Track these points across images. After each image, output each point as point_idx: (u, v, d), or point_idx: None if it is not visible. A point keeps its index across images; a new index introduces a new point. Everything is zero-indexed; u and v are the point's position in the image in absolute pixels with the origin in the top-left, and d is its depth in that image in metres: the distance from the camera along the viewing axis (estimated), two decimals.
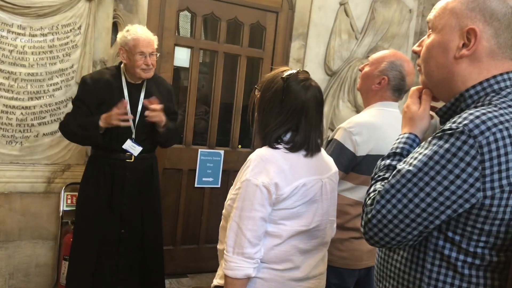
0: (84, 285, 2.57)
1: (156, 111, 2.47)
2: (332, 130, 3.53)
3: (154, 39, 2.55)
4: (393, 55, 2.04)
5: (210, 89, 3.69)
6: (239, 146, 3.75)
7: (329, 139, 2.07)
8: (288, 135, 1.54)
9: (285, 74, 1.54)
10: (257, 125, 1.59)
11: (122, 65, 2.60)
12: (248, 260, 1.45)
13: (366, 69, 2.06)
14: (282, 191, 1.46)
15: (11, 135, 2.80)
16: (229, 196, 1.56)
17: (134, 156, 2.57)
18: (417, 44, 1.23)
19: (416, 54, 1.22)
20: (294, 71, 1.56)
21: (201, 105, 3.78)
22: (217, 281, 1.58)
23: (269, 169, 1.46)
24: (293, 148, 1.52)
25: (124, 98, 2.53)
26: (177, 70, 4.12)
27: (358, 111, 3.78)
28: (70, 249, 2.67)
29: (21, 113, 2.80)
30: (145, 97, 2.59)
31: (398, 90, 2.03)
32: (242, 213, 1.45)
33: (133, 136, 2.57)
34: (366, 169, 1.95)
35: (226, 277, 1.47)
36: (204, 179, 3.56)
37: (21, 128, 2.81)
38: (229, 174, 3.65)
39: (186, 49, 3.73)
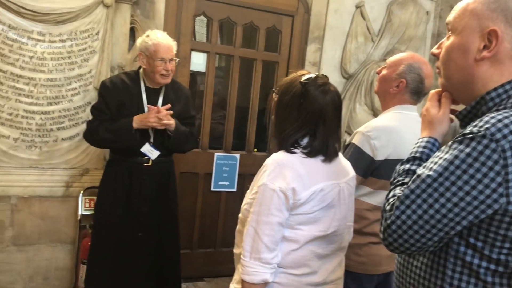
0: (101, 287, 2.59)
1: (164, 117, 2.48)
2: (349, 134, 3.52)
3: (173, 45, 2.57)
4: (411, 57, 2.01)
5: (226, 93, 3.70)
6: (255, 149, 3.75)
7: (346, 143, 2.05)
8: (305, 140, 1.52)
9: (304, 78, 1.52)
10: (273, 129, 1.58)
11: (141, 70, 2.62)
12: (265, 265, 1.44)
13: (384, 72, 2.04)
14: (300, 196, 1.45)
15: (31, 140, 2.84)
16: (245, 200, 1.56)
17: (152, 160, 2.59)
18: (436, 46, 1.21)
19: (435, 56, 1.20)
20: (313, 75, 1.54)
21: (217, 109, 3.79)
22: (234, 285, 1.57)
23: (286, 173, 1.45)
24: (310, 153, 1.51)
25: (143, 103, 2.55)
26: (193, 74, 4.14)
27: (375, 114, 3.75)
28: (88, 253, 2.69)
29: (41, 118, 2.84)
30: (163, 102, 2.60)
31: (417, 93, 2.00)
32: (259, 217, 1.44)
33: (151, 140, 2.58)
34: (384, 174, 1.92)
35: (243, 282, 1.46)
36: (220, 182, 3.57)
37: (40, 133, 2.85)
38: (245, 177, 3.65)
39: (201, 54, 3.75)
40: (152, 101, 2.60)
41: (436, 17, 4.08)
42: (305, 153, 1.51)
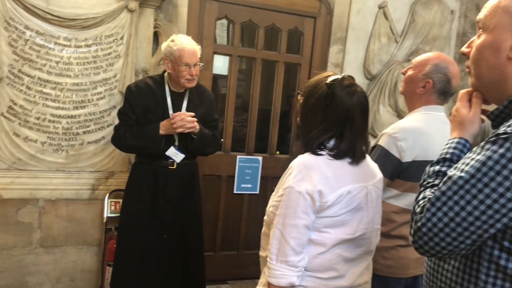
0: None
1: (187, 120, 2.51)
2: (373, 136, 3.47)
3: (198, 49, 2.58)
4: (437, 57, 1.97)
5: (248, 95, 3.70)
6: (277, 152, 3.75)
7: (372, 145, 2.02)
8: (331, 142, 1.50)
9: (330, 79, 1.50)
10: (299, 131, 1.57)
11: (165, 74, 2.64)
12: (291, 268, 1.43)
13: (410, 72, 2.01)
14: (326, 199, 1.43)
15: (58, 144, 2.89)
16: (270, 202, 1.54)
17: (177, 163, 2.61)
18: (465, 45, 1.18)
19: (464, 55, 1.17)
20: (339, 76, 1.52)
21: (239, 112, 3.79)
22: None
23: (312, 176, 1.43)
24: (337, 155, 1.49)
25: (168, 107, 2.57)
26: (214, 77, 4.16)
27: (399, 115, 3.70)
28: (114, 255, 2.73)
29: (67, 122, 2.89)
30: (187, 105, 2.62)
31: (444, 94, 1.97)
32: (285, 220, 1.43)
33: (176, 143, 2.60)
34: (412, 176, 1.89)
35: (269, 285, 1.45)
36: (242, 185, 3.57)
37: (66, 137, 2.90)
38: (268, 180, 3.65)
39: (222, 57, 3.76)
40: (177, 104, 2.62)
41: (461, 16, 4.00)
42: (331, 155, 1.48)
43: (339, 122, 1.49)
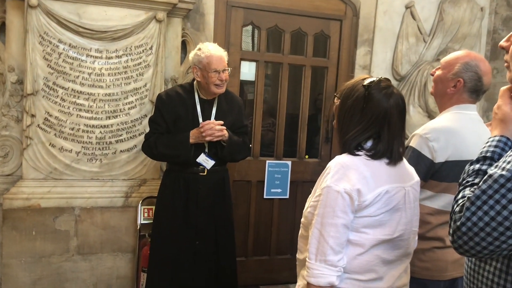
0: None
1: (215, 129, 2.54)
2: (404, 137, 3.42)
3: (225, 55, 2.62)
4: (466, 55, 1.94)
5: (275, 100, 3.71)
6: (306, 156, 3.74)
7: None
8: (369, 143, 1.51)
9: (367, 81, 1.52)
10: (336, 133, 1.58)
11: (195, 82, 2.68)
12: (331, 268, 1.43)
13: (439, 72, 1.98)
14: (365, 198, 1.44)
15: (91, 153, 2.96)
16: (308, 204, 1.55)
17: (207, 169, 2.64)
18: (505, 38, 1.16)
19: (503, 49, 1.15)
20: (376, 78, 1.53)
21: (267, 117, 3.81)
22: None
23: (350, 175, 1.44)
24: (375, 155, 1.50)
25: (197, 114, 2.61)
26: (241, 83, 4.19)
27: (430, 116, 3.64)
28: (148, 261, 2.77)
29: (100, 132, 2.96)
30: (216, 112, 2.66)
31: (476, 92, 1.93)
32: (324, 219, 1.44)
33: (206, 150, 2.63)
34: (446, 176, 1.86)
35: (309, 285, 1.46)
36: (272, 190, 3.58)
37: (100, 146, 2.98)
38: (297, 184, 3.64)
39: (248, 63, 3.78)
40: (206, 112, 2.65)
41: (491, 13, 3.92)
42: (369, 156, 1.49)
43: (377, 123, 1.50)
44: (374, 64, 3.64)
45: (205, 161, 2.61)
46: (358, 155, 1.49)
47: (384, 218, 1.49)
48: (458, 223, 1.02)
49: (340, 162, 1.47)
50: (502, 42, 1.16)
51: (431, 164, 1.86)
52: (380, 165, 1.51)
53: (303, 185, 3.65)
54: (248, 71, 4.20)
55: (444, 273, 1.93)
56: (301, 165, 3.68)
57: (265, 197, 3.58)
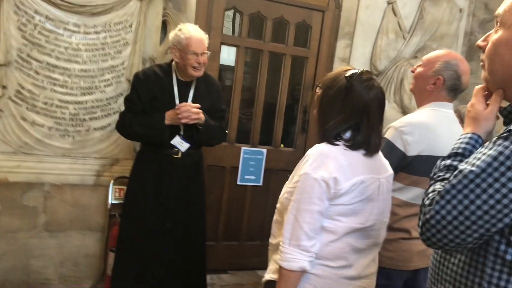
0: (129, 276, 2.64)
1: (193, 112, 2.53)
2: None
3: (205, 38, 2.59)
4: (447, 54, 1.99)
5: (253, 88, 3.71)
6: (282, 145, 3.76)
7: None
8: (348, 134, 1.54)
9: (349, 73, 1.54)
10: (316, 122, 1.60)
11: (173, 63, 2.65)
12: (303, 253, 1.46)
13: (419, 69, 2.03)
14: (341, 186, 1.47)
15: (64, 129, 2.91)
16: (284, 190, 1.58)
17: (182, 152, 2.62)
18: (482, 38, 1.18)
19: (480, 48, 1.18)
20: (358, 70, 1.56)
21: (245, 104, 3.80)
22: (269, 275, 1.59)
23: (328, 164, 1.47)
24: (353, 146, 1.53)
25: (174, 96, 2.58)
26: (220, 68, 4.16)
27: (404, 112, 3.71)
28: (117, 241, 2.75)
29: (74, 108, 2.90)
30: (194, 95, 2.63)
31: (454, 90, 1.98)
32: (300, 205, 1.46)
33: (181, 132, 2.62)
34: (416, 170, 1.91)
35: (281, 269, 1.48)
36: (246, 177, 3.59)
37: (73, 123, 2.92)
38: (271, 172, 3.66)
39: (227, 48, 3.75)
40: (184, 94, 2.63)
41: (469, 15, 4.00)
42: (347, 146, 1.52)
43: (356, 114, 1.53)
44: (353, 58, 3.67)
45: (180, 144, 2.59)
46: (337, 144, 1.52)
47: (358, 207, 1.52)
48: (427, 216, 1.05)
49: (319, 151, 1.50)
50: (479, 42, 1.19)
51: (403, 156, 1.90)
52: (358, 156, 1.54)
53: (277, 173, 3.68)
54: (227, 56, 4.18)
55: (408, 263, 1.98)
56: (276, 154, 3.69)
57: (238, 183, 3.58)
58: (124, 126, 2.59)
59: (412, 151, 1.90)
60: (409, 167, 1.92)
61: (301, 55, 3.67)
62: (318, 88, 1.61)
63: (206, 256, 2.84)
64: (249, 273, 3.68)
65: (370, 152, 1.56)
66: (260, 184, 3.64)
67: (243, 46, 3.51)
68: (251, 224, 3.71)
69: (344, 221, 1.51)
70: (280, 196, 1.59)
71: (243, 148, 3.55)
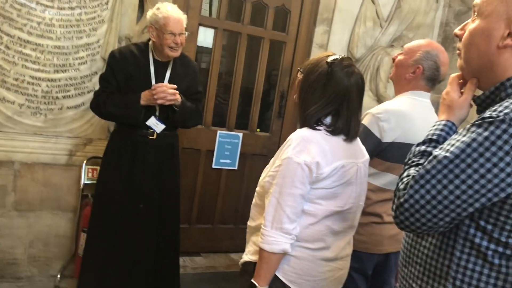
0: (100, 257, 2.60)
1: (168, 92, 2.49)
2: None
3: (184, 18, 2.55)
4: (428, 44, 2.03)
5: (231, 71, 3.69)
6: (258, 129, 3.76)
7: None
8: (328, 119, 1.57)
9: (330, 58, 1.56)
10: (297, 107, 1.62)
11: (150, 42, 2.60)
12: (285, 236, 1.48)
13: (400, 57, 2.06)
14: (323, 170, 1.49)
15: (36, 107, 2.83)
16: (265, 173, 1.60)
17: (157, 133, 2.59)
18: (459, 27, 1.20)
19: (457, 37, 1.20)
20: (339, 56, 1.58)
21: (222, 87, 3.78)
22: (248, 257, 1.62)
23: (311, 148, 1.49)
24: (334, 131, 1.56)
25: (151, 76, 2.54)
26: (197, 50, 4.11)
27: (379, 100, 3.75)
28: (88, 221, 2.71)
29: (47, 85, 2.83)
30: (170, 75, 2.60)
31: (432, 80, 2.02)
32: (282, 189, 1.48)
33: (157, 113, 2.58)
34: (390, 156, 1.95)
35: (262, 251, 1.51)
36: (221, 160, 3.58)
37: (46, 100, 2.84)
38: (247, 157, 3.67)
39: (203, 29, 3.69)
40: (160, 74, 2.59)
41: (445, 6, 4.06)
42: (328, 131, 1.55)
43: (336, 100, 1.55)
44: (331, 44, 3.68)
45: (155, 125, 2.56)
46: (318, 129, 1.54)
47: (338, 191, 1.56)
48: (401, 200, 1.08)
49: (302, 135, 1.52)
50: (457, 30, 1.21)
51: (378, 142, 1.94)
52: (338, 141, 1.57)
53: (252, 157, 3.69)
54: (203, 38, 4.11)
55: (380, 247, 2.03)
56: (252, 138, 3.70)
57: (213, 166, 3.58)
58: (98, 106, 2.54)
59: (387, 138, 1.93)
60: (383, 153, 1.96)
61: (279, 40, 3.66)
62: (299, 73, 1.63)
63: (179, 239, 2.84)
64: (222, 256, 3.70)
65: (350, 137, 1.59)
66: (235, 168, 3.64)
67: (221, 28, 3.47)
68: (224, 208, 3.72)
69: (324, 204, 1.54)
70: (261, 180, 1.61)
71: (219, 132, 3.54)
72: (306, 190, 1.50)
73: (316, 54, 3.65)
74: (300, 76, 1.62)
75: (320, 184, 1.52)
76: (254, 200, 1.65)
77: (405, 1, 3.81)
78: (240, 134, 3.61)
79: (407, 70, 2.02)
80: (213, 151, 3.55)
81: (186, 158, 3.48)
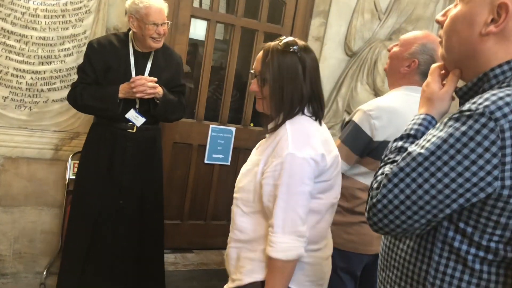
0: (80, 253, 2.52)
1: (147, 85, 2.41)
2: (349, 114, 3.43)
3: (165, 7, 2.45)
4: (425, 37, 1.91)
5: (225, 64, 3.60)
6: (251, 124, 3.68)
7: (347, 120, 1.99)
8: (307, 107, 1.50)
9: (293, 47, 1.48)
10: (275, 103, 1.49)
11: (130, 33, 2.51)
12: (300, 239, 1.37)
13: (396, 49, 1.96)
14: (326, 161, 1.42)
15: (20, 100, 2.76)
16: (249, 176, 1.47)
17: (137, 126, 2.51)
18: (441, 13, 1.12)
19: (439, 24, 1.11)
20: (290, 39, 1.51)
21: (215, 80, 3.70)
22: (248, 278, 1.44)
23: (311, 140, 1.41)
24: (316, 118, 1.50)
25: (131, 67, 2.46)
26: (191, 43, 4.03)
27: (376, 94, 3.66)
28: (68, 217, 2.64)
29: (31, 78, 2.76)
30: (151, 67, 2.51)
31: (427, 75, 1.92)
32: (291, 188, 1.37)
33: (137, 106, 2.50)
34: (382, 155, 1.87)
35: (275, 261, 1.37)
36: (214, 155, 3.51)
37: (30, 93, 2.77)
38: (240, 152, 3.59)
39: (193, 20, 3.61)
40: (141, 65, 2.50)
41: None
42: (313, 119, 1.49)
43: (311, 85, 1.48)
44: (328, 37, 3.58)
45: (135, 118, 2.48)
46: (306, 118, 1.48)
47: (334, 182, 1.49)
48: (374, 200, 1.00)
49: (298, 128, 1.43)
50: (439, 16, 1.12)
51: (369, 141, 1.85)
52: (323, 128, 1.51)
53: (245, 152, 3.60)
54: (194, 30, 4.02)
55: (369, 247, 1.96)
56: (245, 133, 3.62)
57: (205, 161, 3.50)
58: (75, 98, 2.46)
59: (378, 136, 1.85)
60: (375, 152, 1.88)
61: (274, 32, 3.57)
62: (255, 74, 1.54)
63: (163, 234, 2.74)
64: (214, 253, 3.64)
65: (320, 123, 1.53)
66: (228, 163, 3.56)
67: (214, 20, 3.39)
68: (217, 204, 3.65)
69: (324, 197, 1.46)
70: (242, 184, 1.49)
71: (211, 126, 3.46)
72: (313, 186, 1.40)
73: (313, 47, 3.57)
74: (264, 73, 1.49)
75: (322, 177, 1.42)
76: (237, 209, 1.50)
77: None
78: (233, 129, 3.53)
79: (402, 63, 1.92)
80: (206, 146, 3.47)
81: (178, 153, 3.42)
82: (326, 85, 3.55)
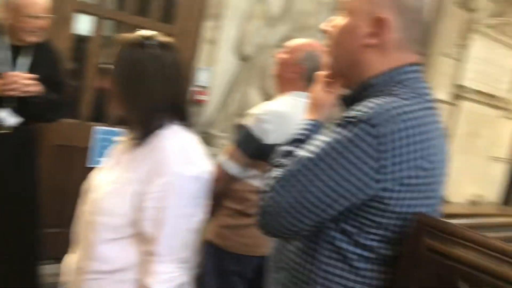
0: None
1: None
2: (241, 117, 3.48)
3: None
4: (311, 44, 2.02)
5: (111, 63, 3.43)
6: None
7: (239, 124, 2.03)
8: (177, 113, 1.39)
9: (147, 41, 1.33)
10: (123, 98, 1.36)
11: (6, 24, 2.28)
12: (184, 265, 1.34)
13: (283, 55, 2.04)
14: (208, 176, 1.38)
15: None
16: (122, 198, 1.30)
17: (10, 127, 2.30)
18: (326, 22, 1.17)
19: (324, 33, 1.17)
20: (152, 32, 1.37)
21: (101, 79, 3.50)
22: None
23: (193, 156, 1.33)
24: (188, 124, 1.39)
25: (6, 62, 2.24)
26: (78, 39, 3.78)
27: (268, 99, 3.75)
28: None
29: None
30: (31, 63, 2.32)
31: (313, 82, 2.01)
32: (178, 211, 1.28)
33: (11, 104, 2.28)
34: (272, 158, 1.91)
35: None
36: (98, 159, 3.31)
37: None
38: None
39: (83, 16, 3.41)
40: (17, 61, 2.30)
41: (334, 8, 4.18)
42: (185, 126, 1.38)
43: (169, 85, 1.35)
44: (221, 40, 3.60)
45: (7, 118, 2.26)
46: (180, 130, 1.36)
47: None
48: (262, 203, 1.02)
49: (177, 144, 1.30)
50: (323, 25, 1.18)
51: (261, 144, 1.89)
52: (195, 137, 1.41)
53: None
54: (82, 26, 3.78)
55: (261, 249, 1.97)
56: None
57: (88, 165, 3.29)
58: None
59: (270, 140, 1.89)
60: (265, 155, 1.91)
61: (166, 32, 3.48)
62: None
63: (40, 246, 2.55)
64: None
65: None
66: None
67: (102, 16, 3.21)
68: None
69: (202, 214, 1.41)
70: (107, 207, 1.31)
71: (96, 128, 3.26)
72: (200, 205, 1.35)
73: (205, 49, 3.56)
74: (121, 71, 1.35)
75: (207, 194, 1.38)
76: (95, 236, 1.30)
77: (296, 1, 3.85)
78: (120, 131, 3.36)
79: (288, 69, 2.00)
80: (89, 149, 3.26)
81: (59, 156, 3.17)
82: (218, 88, 3.55)
